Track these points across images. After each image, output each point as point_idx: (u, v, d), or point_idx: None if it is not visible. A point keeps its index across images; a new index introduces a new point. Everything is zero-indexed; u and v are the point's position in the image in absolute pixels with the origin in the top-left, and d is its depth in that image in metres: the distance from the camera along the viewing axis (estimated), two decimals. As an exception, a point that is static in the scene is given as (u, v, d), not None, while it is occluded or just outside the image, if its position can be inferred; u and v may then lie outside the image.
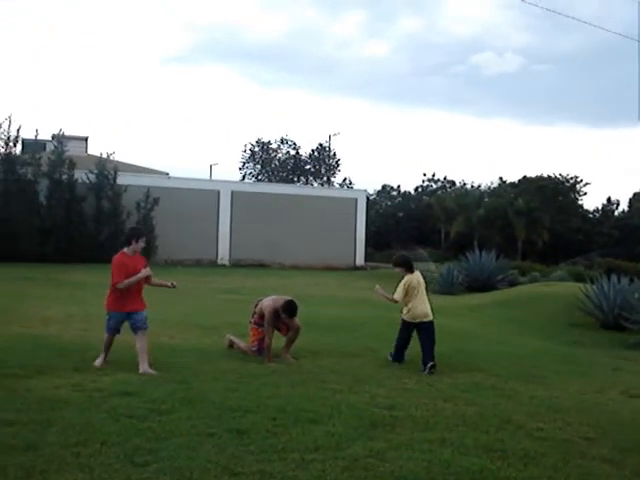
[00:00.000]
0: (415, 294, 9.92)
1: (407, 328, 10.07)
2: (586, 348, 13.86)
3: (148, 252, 23.57)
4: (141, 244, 9.04)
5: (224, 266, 35.71)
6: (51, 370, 8.37)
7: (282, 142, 70.42)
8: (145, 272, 8.92)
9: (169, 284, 9.39)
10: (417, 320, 9.95)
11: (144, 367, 8.62)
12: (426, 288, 10.25)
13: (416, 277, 9.98)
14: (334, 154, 69.26)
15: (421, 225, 72.36)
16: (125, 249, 9.03)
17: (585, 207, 72.74)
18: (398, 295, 9.95)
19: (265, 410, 6.88)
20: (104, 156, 34.84)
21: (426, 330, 9.93)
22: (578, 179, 69.29)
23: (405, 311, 10.05)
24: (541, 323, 16.96)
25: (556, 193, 68.29)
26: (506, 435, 6.53)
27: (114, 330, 9.06)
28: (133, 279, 8.82)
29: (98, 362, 8.88)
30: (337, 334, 12.74)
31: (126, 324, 9.02)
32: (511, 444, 6.23)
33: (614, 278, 17.23)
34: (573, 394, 8.81)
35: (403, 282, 9.92)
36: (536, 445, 6.26)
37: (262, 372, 8.90)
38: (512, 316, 17.93)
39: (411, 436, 6.31)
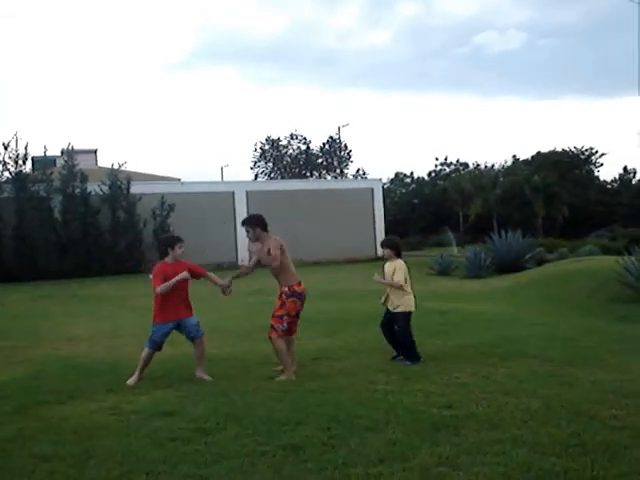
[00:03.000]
0: (409, 280, 9.48)
1: (409, 319, 9.43)
2: (631, 323, 13.24)
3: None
4: (178, 250, 8.74)
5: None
6: (83, 394, 7.93)
7: (292, 138, 70.08)
8: (182, 275, 8.50)
9: (224, 283, 8.91)
10: (413, 309, 9.43)
11: (199, 372, 8.54)
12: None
13: (404, 263, 9.44)
14: (345, 146, 68.81)
15: (437, 210, 71.88)
16: (166, 259, 8.73)
17: (602, 178, 71.98)
18: (400, 278, 9.27)
19: (317, 420, 6.38)
20: (115, 167, 34.45)
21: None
22: (593, 150, 68.45)
23: (400, 301, 9.33)
24: (580, 300, 16.36)
25: (572, 166, 67.58)
26: (580, 428, 5.99)
27: (157, 345, 8.64)
28: (171, 281, 8.40)
29: (132, 380, 8.43)
30: (373, 329, 12.19)
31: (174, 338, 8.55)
32: (588, 438, 5.70)
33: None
34: (635, 375, 8.26)
35: (399, 266, 9.32)
36: (615, 436, 5.73)
37: (305, 377, 8.41)
38: (549, 295, 17.35)
39: (478, 437, 5.80)
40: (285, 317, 8.46)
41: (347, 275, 27.99)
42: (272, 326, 8.51)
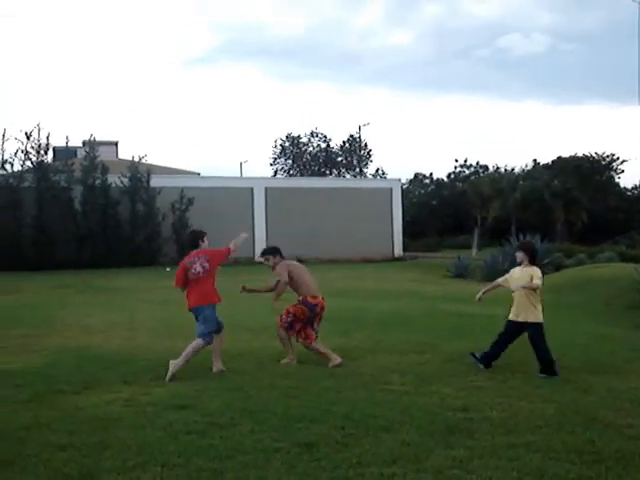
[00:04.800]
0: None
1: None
2: (649, 332, 13.21)
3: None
4: (206, 242, 9.09)
5: (262, 263, 35.31)
6: (99, 384, 7.98)
7: (312, 136, 70.08)
8: (243, 236, 9.31)
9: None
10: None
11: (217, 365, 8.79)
12: None
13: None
14: (365, 145, 68.69)
15: (456, 212, 71.61)
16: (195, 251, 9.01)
17: (622, 185, 71.51)
18: (539, 282, 8.65)
19: (331, 418, 6.40)
20: (135, 160, 34.56)
21: None
22: (614, 157, 67.99)
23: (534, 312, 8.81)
24: (597, 307, 16.30)
25: (592, 172, 67.13)
26: (595, 435, 5.97)
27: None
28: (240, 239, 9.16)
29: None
30: (390, 330, 12.26)
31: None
32: (603, 445, 5.68)
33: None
34: (652, 383, 8.22)
35: (536, 273, 8.69)
36: (631, 445, 5.70)
37: (320, 375, 8.43)
38: (566, 301, 17.27)
39: (492, 441, 5.79)
40: (291, 316, 9.27)
41: (363, 274, 27.96)
42: (280, 316, 9.37)
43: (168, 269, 24.71)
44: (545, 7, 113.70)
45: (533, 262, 8.88)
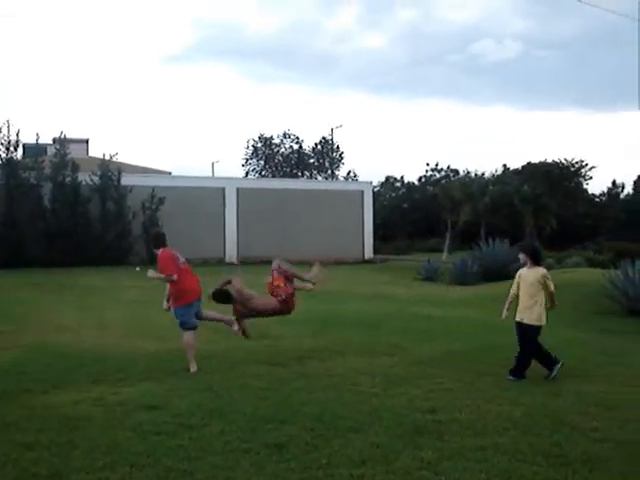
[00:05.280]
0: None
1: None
2: (617, 336, 13.39)
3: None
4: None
5: (232, 264, 35.26)
6: (68, 383, 7.94)
7: (285, 137, 69.95)
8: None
9: None
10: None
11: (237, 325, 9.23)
12: None
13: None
14: (337, 147, 68.74)
15: (426, 215, 71.90)
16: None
17: (591, 191, 72.26)
18: (552, 287, 8.75)
19: (301, 419, 6.42)
20: (106, 158, 34.28)
21: None
22: (583, 163, 68.61)
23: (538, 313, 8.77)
24: (565, 312, 16.35)
25: (561, 178, 67.65)
26: (562, 438, 6.05)
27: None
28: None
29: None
30: (360, 331, 12.31)
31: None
32: (570, 448, 5.76)
33: (639, 263, 16.73)
34: (620, 388, 8.32)
35: (545, 273, 8.75)
36: (597, 448, 5.79)
37: (290, 376, 8.45)
38: (534, 305, 17.40)
39: (461, 443, 5.84)
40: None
41: (334, 276, 27.96)
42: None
43: (138, 268, 24.58)
44: (518, 14, 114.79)
45: (537, 262, 8.89)
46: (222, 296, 9.26)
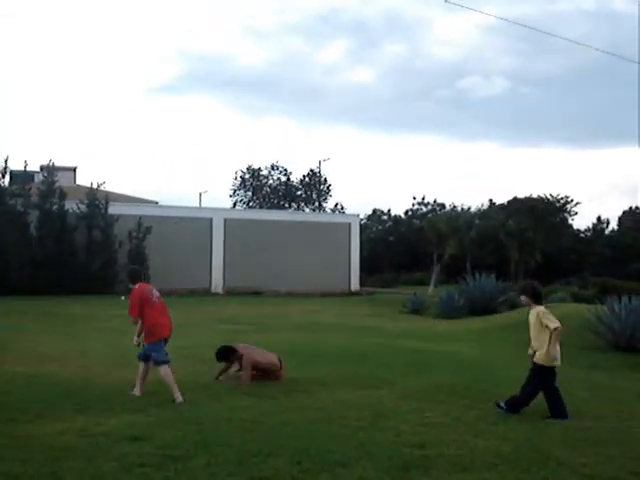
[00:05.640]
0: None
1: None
2: (603, 372, 13.40)
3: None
4: None
5: (218, 294, 35.17)
6: (52, 413, 7.83)
7: (273, 168, 70.10)
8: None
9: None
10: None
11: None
12: None
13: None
14: (325, 180, 68.92)
15: (412, 248, 72.07)
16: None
17: (576, 227, 72.73)
18: (556, 323, 8.42)
19: (287, 453, 6.34)
20: (94, 186, 34.27)
21: None
22: (568, 199, 69.08)
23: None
24: (551, 347, 16.45)
25: (546, 213, 67.98)
26: (549, 474, 6.02)
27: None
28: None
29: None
30: (346, 364, 12.25)
31: None
32: (557, 484, 5.74)
33: (625, 299, 16.77)
34: (606, 423, 8.33)
35: (543, 312, 8.52)
36: (584, 484, 5.77)
37: (277, 409, 8.39)
38: (520, 340, 17.09)
39: (448, 478, 5.81)
40: None
41: (321, 308, 27.94)
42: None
43: (123, 298, 24.43)
44: (504, 51, 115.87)
45: (538, 302, 8.71)
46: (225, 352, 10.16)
